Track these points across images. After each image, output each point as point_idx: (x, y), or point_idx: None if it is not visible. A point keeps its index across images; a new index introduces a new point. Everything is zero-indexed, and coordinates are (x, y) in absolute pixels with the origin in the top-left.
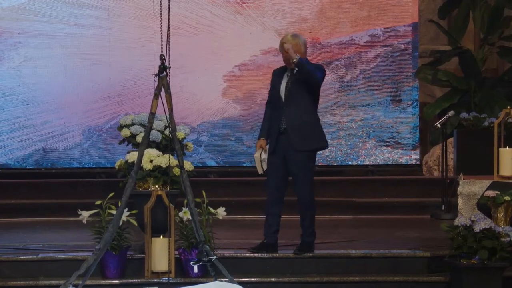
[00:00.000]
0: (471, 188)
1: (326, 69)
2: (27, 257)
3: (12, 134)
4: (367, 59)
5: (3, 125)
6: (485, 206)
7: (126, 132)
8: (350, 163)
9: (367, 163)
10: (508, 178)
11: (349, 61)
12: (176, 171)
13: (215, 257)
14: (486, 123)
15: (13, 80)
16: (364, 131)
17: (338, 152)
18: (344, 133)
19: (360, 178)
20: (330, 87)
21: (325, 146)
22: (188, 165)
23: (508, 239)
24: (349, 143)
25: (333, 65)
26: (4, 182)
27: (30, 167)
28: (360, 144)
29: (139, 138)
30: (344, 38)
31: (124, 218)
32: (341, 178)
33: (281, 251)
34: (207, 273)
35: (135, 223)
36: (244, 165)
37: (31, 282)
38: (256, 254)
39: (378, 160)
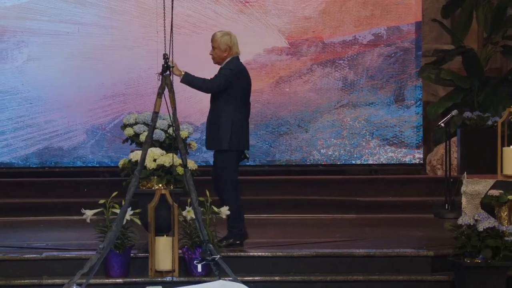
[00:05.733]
0: (474, 187)
1: (329, 68)
2: (31, 256)
3: (16, 133)
4: (371, 58)
5: (6, 124)
6: (488, 205)
7: (129, 131)
8: (353, 162)
9: (370, 162)
10: None
11: (352, 60)
12: (180, 170)
13: (218, 256)
14: (489, 122)
15: (17, 79)
16: (368, 130)
17: (341, 151)
18: (348, 132)
19: (364, 177)
20: (333, 86)
21: (226, 148)
22: (191, 164)
23: None
24: (352, 142)
25: (337, 64)
26: (8, 181)
27: (34, 166)
28: (364, 143)
29: (142, 137)
30: (348, 37)
31: (127, 217)
32: (344, 177)
33: (285, 250)
34: (211, 272)
35: (138, 222)
36: (247, 164)
37: (35, 281)
38: (260, 253)
39: (381, 159)
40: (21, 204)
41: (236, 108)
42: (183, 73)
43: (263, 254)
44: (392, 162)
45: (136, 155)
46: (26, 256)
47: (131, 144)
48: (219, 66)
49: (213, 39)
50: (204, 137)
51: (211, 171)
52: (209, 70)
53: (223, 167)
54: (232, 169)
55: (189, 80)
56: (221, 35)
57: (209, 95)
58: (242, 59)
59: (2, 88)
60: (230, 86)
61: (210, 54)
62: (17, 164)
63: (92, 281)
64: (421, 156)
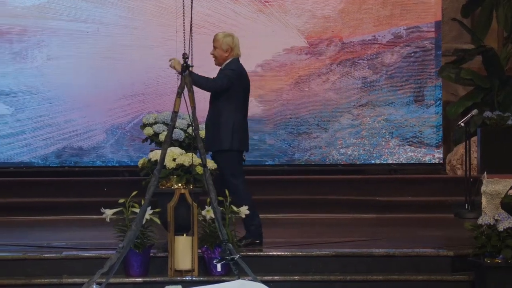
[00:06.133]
0: (494, 187)
1: (349, 68)
2: (50, 255)
3: (36, 133)
4: (390, 57)
5: (26, 123)
6: (509, 205)
7: (149, 131)
8: (373, 161)
9: (390, 162)
10: None
11: (371, 59)
12: (199, 169)
13: (238, 255)
14: (509, 122)
15: (36, 78)
16: (387, 129)
17: (361, 151)
18: (367, 132)
19: (383, 177)
20: (353, 85)
21: (227, 148)
22: (211, 164)
23: None
24: (372, 141)
25: (356, 63)
26: (28, 181)
27: (54, 166)
28: (383, 143)
29: (162, 137)
30: (367, 36)
31: (147, 216)
32: (364, 177)
33: (304, 250)
34: (230, 272)
35: (158, 221)
36: (267, 163)
37: (55, 280)
38: (279, 253)
39: (401, 159)
40: (41, 203)
41: (237, 108)
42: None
43: (282, 253)
44: (412, 161)
45: (155, 155)
46: (46, 255)
47: (150, 143)
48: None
49: (215, 39)
50: None
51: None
52: None
53: (228, 167)
54: (238, 168)
55: (194, 78)
56: (223, 35)
57: (208, 95)
58: (262, 58)
59: (22, 87)
60: (231, 86)
61: (211, 54)
62: (37, 164)
63: (111, 280)
64: (441, 155)
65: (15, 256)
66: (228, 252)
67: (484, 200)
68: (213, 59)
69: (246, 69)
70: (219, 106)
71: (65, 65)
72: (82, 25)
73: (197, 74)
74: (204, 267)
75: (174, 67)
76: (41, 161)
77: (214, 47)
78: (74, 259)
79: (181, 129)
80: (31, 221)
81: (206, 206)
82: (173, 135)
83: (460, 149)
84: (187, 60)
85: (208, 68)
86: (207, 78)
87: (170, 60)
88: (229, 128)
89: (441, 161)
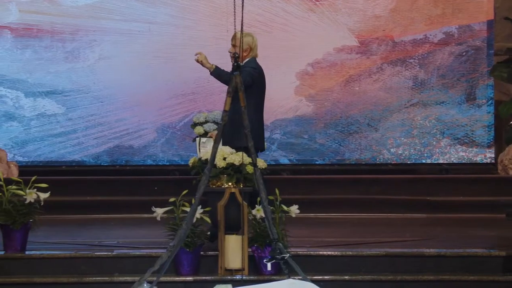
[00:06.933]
0: None
1: (400, 67)
2: (102, 253)
3: (87, 132)
4: (441, 57)
5: (78, 122)
6: None
7: (199, 130)
8: (424, 161)
9: (441, 161)
10: None
11: (423, 59)
12: (249, 168)
13: (288, 255)
14: None
15: (88, 78)
16: (438, 129)
17: (411, 150)
18: (418, 131)
19: (434, 176)
20: (404, 85)
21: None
22: (261, 163)
23: None
24: (423, 141)
25: (407, 63)
26: (79, 179)
27: (105, 164)
28: (434, 142)
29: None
30: (418, 35)
31: (197, 215)
32: (414, 177)
33: (354, 249)
34: (280, 271)
35: (208, 220)
36: (317, 163)
37: (106, 278)
38: (329, 252)
39: (452, 159)
40: (92, 202)
41: (256, 107)
42: (214, 66)
43: (332, 253)
44: (463, 161)
45: (206, 154)
46: (97, 253)
47: None
48: (292, 65)
49: (235, 38)
50: (276, 136)
51: None
52: (279, 69)
53: None
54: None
55: (219, 73)
56: (244, 34)
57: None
58: (312, 57)
59: (74, 86)
60: (252, 84)
61: (229, 52)
62: (88, 162)
63: (162, 279)
64: (493, 155)
65: (67, 254)
66: (278, 251)
67: None
68: (231, 57)
69: (296, 68)
70: (239, 104)
71: (116, 64)
72: (133, 24)
73: (222, 69)
74: (254, 266)
75: (201, 62)
76: (92, 160)
77: (234, 46)
78: (125, 257)
79: None
80: (83, 220)
81: (256, 205)
82: None
83: None
84: (237, 59)
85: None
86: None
87: (196, 54)
88: (251, 127)
89: (493, 161)
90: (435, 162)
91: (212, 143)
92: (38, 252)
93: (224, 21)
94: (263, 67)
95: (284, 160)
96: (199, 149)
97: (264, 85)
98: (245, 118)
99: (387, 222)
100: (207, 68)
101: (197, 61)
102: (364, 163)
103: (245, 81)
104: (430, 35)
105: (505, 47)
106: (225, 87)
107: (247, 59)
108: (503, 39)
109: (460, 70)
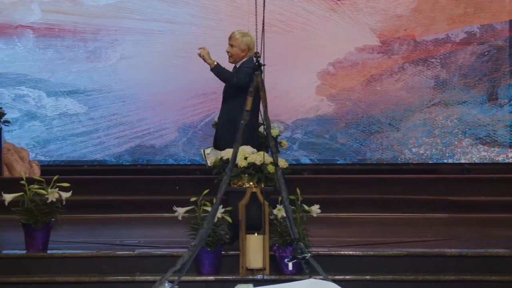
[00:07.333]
0: None
1: (421, 66)
2: (123, 253)
3: (109, 131)
4: (463, 56)
5: (100, 121)
6: None
7: None
8: (445, 161)
9: (463, 161)
10: None
11: (444, 58)
12: (271, 168)
13: (309, 254)
14: None
15: (110, 77)
16: (460, 129)
17: (433, 150)
18: (440, 131)
19: (456, 176)
20: (425, 84)
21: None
22: (282, 163)
23: None
24: (444, 141)
25: (429, 62)
26: (101, 178)
27: (126, 164)
28: (456, 142)
29: None
30: (440, 35)
31: (219, 215)
32: (436, 177)
33: (376, 249)
34: (301, 271)
35: (229, 220)
36: (338, 162)
37: (128, 277)
38: (350, 252)
39: (474, 159)
40: (114, 201)
41: (254, 107)
42: (215, 62)
43: (353, 253)
44: (485, 161)
45: (227, 153)
46: (118, 253)
47: None
48: (313, 65)
49: (233, 38)
50: (297, 135)
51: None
52: (300, 68)
53: None
54: None
55: (219, 70)
56: (242, 34)
57: (220, 93)
58: (333, 57)
59: (96, 86)
60: (250, 84)
61: (227, 52)
62: (110, 162)
63: (183, 278)
64: None
65: (88, 254)
66: (299, 251)
67: None
68: (229, 56)
69: (317, 68)
70: (235, 105)
71: (138, 64)
72: (155, 24)
73: (223, 67)
74: (276, 265)
75: (202, 56)
76: (114, 159)
77: (231, 45)
78: (146, 256)
79: None
80: (104, 219)
81: (277, 205)
82: None
83: None
84: (259, 59)
85: (282, 67)
86: (232, 72)
87: (200, 48)
88: (247, 127)
89: None
90: (457, 162)
91: (215, 153)
92: (59, 251)
93: (246, 21)
94: (284, 67)
95: (305, 160)
96: (206, 160)
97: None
98: (267, 118)
99: (408, 222)
100: (208, 63)
101: (199, 55)
102: (385, 163)
103: (244, 80)
104: (452, 34)
105: None
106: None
107: (244, 59)
108: None
109: (482, 69)
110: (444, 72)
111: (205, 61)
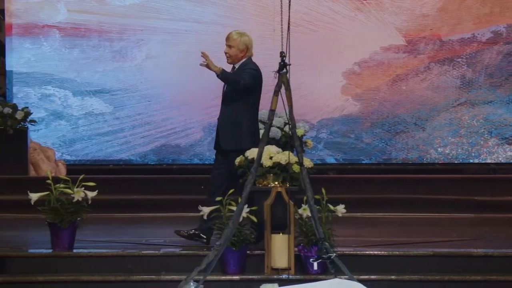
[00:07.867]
0: None
1: (447, 66)
2: (149, 252)
3: (134, 130)
4: (489, 56)
5: (125, 121)
6: None
7: None
8: (471, 161)
9: (489, 161)
10: None
11: (470, 58)
12: (296, 168)
13: (335, 254)
14: None
15: (136, 77)
16: (486, 128)
17: (459, 150)
18: (465, 131)
19: (482, 176)
20: (451, 84)
21: (249, 147)
22: (307, 162)
23: None
24: (470, 140)
25: (455, 62)
26: (127, 178)
27: (152, 163)
28: (482, 142)
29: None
30: (466, 35)
31: (244, 214)
32: (462, 176)
33: (401, 249)
34: (326, 270)
35: (254, 219)
36: (364, 162)
37: (153, 276)
38: (376, 252)
39: (500, 158)
40: (139, 200)
41: (255, 107)
42: (221, 69)
43: (379, 253)
44: (511, 161)
45: (252, 153)
46: (144, 252)
47: None
48: (339, 64)
49: (230, 38)
50: (322, 135)
51: (216, 170)
52: (326, 68)
53: None
54: None
55: (227, 76)
56: (239, 35)
57: (216, 94)
58: (359, 56)
59: (122, 85)
60: (255, 85)
61: (225, 53)
62: (135, 161)
63: (208, 277)
64: None
65: (114, 253)
66: (324, 250)
67: None
68: (227, 57)
69: (342, 67)
70: (238, 106)
71: (163, 63)
72: (181, 23)
73: (229, 72)
74: (301, 265)
75: (206, 66)
76: (139, 159)
77: (230, 46)
78: (172, 256)
79: (278, 127)
80: (130, 218)
81: (302, 205)
82: (270, 133)
83: None
84: (284, 58)
85: (307, 67)
86: (238, 76)
87: (202, 56)
88: (249, 128)
89: None
90: (483, 161)
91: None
92: (85, 251)
93: (271, 20)
94: (309, 67)
95: (331, 160)
96: None
97: (261, 85)
98: (292, 117)
99: (434, 222)
100: (214, 71)
101: (203, 63)
102: (411, 163)
103: (249, 82)
104: (478, 34)
105: None
106: (271, 87)
107: (243, 60)
108: None
109: (508, 69)
110: (470, 71)
111: (210, 69)
